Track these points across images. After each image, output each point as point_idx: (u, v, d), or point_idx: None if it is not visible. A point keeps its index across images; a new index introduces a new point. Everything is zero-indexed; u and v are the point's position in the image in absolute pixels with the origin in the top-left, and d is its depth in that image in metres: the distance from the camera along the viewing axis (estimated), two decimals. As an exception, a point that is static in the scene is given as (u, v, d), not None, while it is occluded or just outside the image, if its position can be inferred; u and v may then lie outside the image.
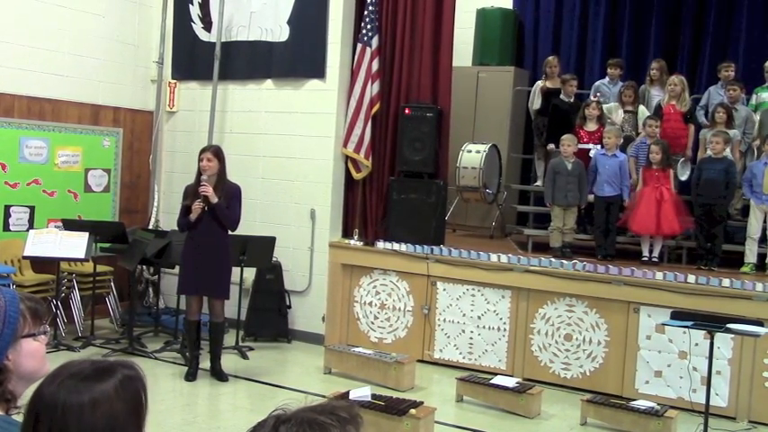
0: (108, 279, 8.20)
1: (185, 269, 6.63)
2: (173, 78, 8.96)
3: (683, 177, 7.59)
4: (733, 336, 5.99)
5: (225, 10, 8.54)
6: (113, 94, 8.68)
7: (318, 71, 8.08)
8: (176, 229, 7.23)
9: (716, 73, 8.42)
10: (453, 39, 8.07)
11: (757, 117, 7.84)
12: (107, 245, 7.85)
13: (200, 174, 6.49)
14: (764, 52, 8.75)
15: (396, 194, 7.87)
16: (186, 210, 6.51)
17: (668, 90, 7.99)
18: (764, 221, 6.99)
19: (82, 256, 7.24)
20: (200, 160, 6.50)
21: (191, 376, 6.66)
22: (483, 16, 10.24)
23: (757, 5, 9.16)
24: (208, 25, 8.73)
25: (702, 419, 5.42)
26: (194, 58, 8.80)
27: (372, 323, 7.81)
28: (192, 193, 6.52)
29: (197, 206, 6.38)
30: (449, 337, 7.46)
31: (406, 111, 7.89)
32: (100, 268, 7.94)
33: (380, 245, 7.80)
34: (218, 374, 6.71)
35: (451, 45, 8.04)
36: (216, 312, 6.67)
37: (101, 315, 8.14)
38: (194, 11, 8.82)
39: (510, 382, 6.42)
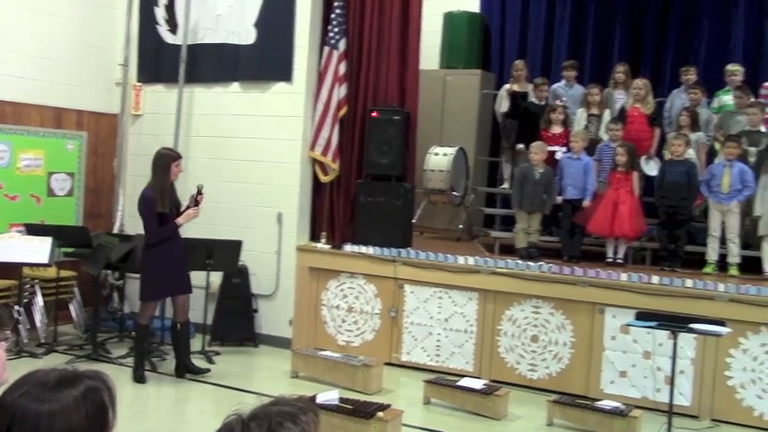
0: (71, 284, 8.09)
1: (167, 272, 6.59)
2: (138, 81, 8.88)
3: (653, 173, 7.66)
4: (696, 336, 6.07)
5: (191, 12, 8.48)
6: (77, 96, 8.58)
7: (285, 74, 8.06)
8: (141, 233, 7.19)
9: (678, 77, 8.52)
10: (420, 42, 8.10)
11: (715, 119, 7.96)
12: (71, 249, 7.75)
13: (169, 179, 6.49)
14: (725, 56, 8.93)
15: (363, 197, 7.87)
16: (166, 217, 6.49)
17: (633, 93, 8.08)
18: (723, 221, 7.09)
19: (45, 260, 7.14)
20: (175, 166, 6.51)
21: (144, 378, 6.67)
22: (450, 20, 10.29)
23: (718, 11, 9.31)
24: (173, 27, 8.67)
25: (666, 419, 5.48)
26: (160, 60, 8.73)
27: (340, 326, 7.80)
28: (169, 200, 6.51)
29: (194, 213, 6.57)
30: (416, 339, 7.47)
31: (374, 114, 7.89)
32: (63, 273, 7.83)
33: (348, 248, 7.79)
34: (196, 369, 6.83)
35: (418, 48, 8.06)
36: (187, 309, 6.81)
37: (64, 321, 8.03)
38: (160, 13, 8.76)
39: (477, 383, 6.44)
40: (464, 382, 6.46)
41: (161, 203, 6.43)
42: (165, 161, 6.51)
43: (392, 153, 7.82)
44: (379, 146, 7.84)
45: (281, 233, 8.02)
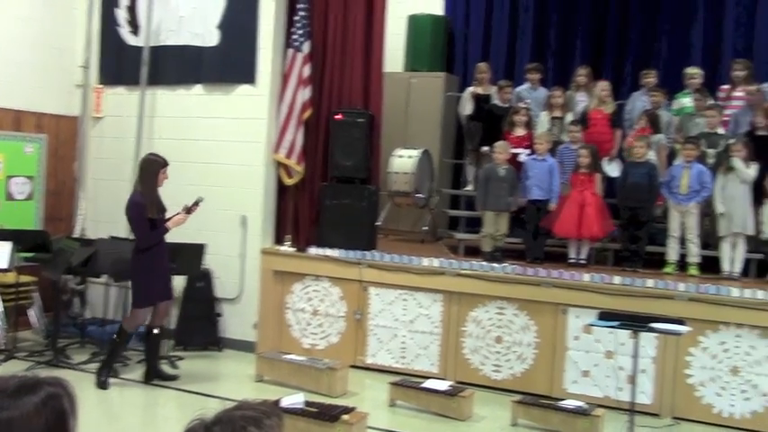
0: (31, 289, 7.97)
1: (157, 277, 6.65)
2: (99, 83, 8.77)
3: (614, 174, 7.75)
4: (657, 335, 6.14)
5: (153, 14, 8.41)
6: (36, 99, 8.45)
7: (249, 76, 8.02)
8: (103, 237, 7.13)
9: (639, 79, 8.63)
10: (384, 45, 8.11)
11: (675, 121, 8.08)
12: (30, 254, 7.62)
13: (155, 185, 6.54)
14: (684, 60, 9.07)
15: (328, 200, 7.86)
16: (155, 223, 6.52)
17: (596, 94, 8.18)
18: (683, 221, 7.19)
19: (4, 266, 7.03)
20: (162, 173, 6.54)
21: (107, 385, 6.62)
22: (414, 23, 10.32)
23: (678, 16, 9.45)
24: (135, 29, 8.58)
25: (628, 417, 5.55)
26: (121, 62, 8.64)
27: (305, 330, 7.77)
28: (157, 206, 6.57)
29: (182, 218, 6.61)
30: (381, 342, 7.47)
31: (338, 116, 7.89)
32: (23, 278, 7.71)
33: (312, 251, 7.77)
34: (167, 375, 6.88)
35: (382, 51, 8.08)
36: (168, 315, 6.95)
37: (24, 327, 7.91)
38: (121, 14, 8.67)
39: (442, 385, 6.46)
40: (429, 383, 6.48)
41: (151, 209, 6.47)
42: (155, 167, 6.54)
43: (356, 155, 7.82)
44: (343, 148, 7.84)
45: (246, 236, 7.97)
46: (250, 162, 7.95)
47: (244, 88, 8.05)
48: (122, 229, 7.59)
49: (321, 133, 8.06)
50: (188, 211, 6.67)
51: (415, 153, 9.05)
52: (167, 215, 6.64)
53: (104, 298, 8.32)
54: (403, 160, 8.99)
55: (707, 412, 6.37)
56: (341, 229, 7.73)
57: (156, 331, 6.79)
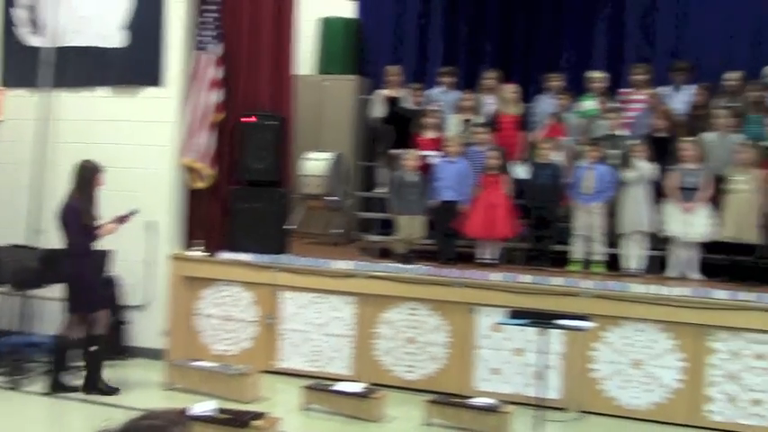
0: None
1: (95, 285, 6.67)
2: (-1, 86, 8.47)
3: (522, 176, 7.92)
4: (563, 331, 6.30)
5: (55, 14, 8.16)
6: (-69, 102, 8.11)
7: (156, 78, 7.88)
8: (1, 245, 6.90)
9: (545, 83, 8.84)
10: (295, 47, 8.09)
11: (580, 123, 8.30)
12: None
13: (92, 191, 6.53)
14: (588, 63, 9.35)
15: (239, 204, 7.78)
16: (89, 229, 6.49)
17: (505, 97, 8.34)
18: (588, 220, 7.40)
19: None
20: (98, 179, 6.58)
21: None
22: (325, 25, 10.32)
23: (582, 21, 9.75)
24: (37, 29, 8.31)
25: (537, 412, 5.67)
26: (21, 64, 8.34)
27: (216, 336, 7.68)
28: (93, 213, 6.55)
29: (113, 227, 6.66)
30: (294, 346, 7.44)
31: (249, 119, 7.82)
32: None
33: (224, 255, 7.68)
34: (107, 389, 6.70)
35: (293, 53, 8.06)
36: (106, 324, 6.76)
37: None
38: (21, 14, 8.38)
39: (355, 387, 6.47)
40: (341, 386, 6.48)
41: (86, 216, 6.42)
42: (92, 173, 6.56)
43: (268, 158, 7.77)
44: (254, 151, 7.78)
45: (154, 242, 7.81)
46: (158, 166, 7.81)
47: (151, 90, 7.89)
48: (22, 236, 7.34)
49: (232, 136, 7.97)
50: (120, 220, 6.70)
51: (328, 156, 9.04)
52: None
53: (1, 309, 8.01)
54: (315, 163, 8.97)
55: (611, 405, 6.56)
56: (252, 233, 7.66)
57: (94, 340, 6.62)
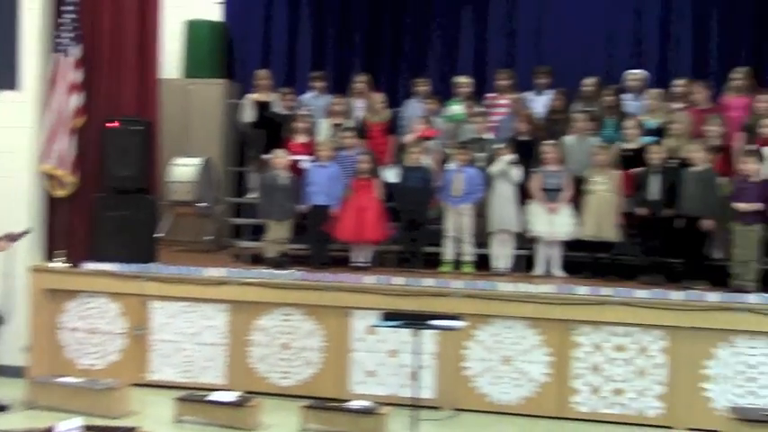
0: None
1: None
2: None
3: (392, 180, 8.02)
4: (436, 331, 6.42)
5: None
6: None
7: (11, 82, 7.48)
8: None
9: (413, 87, 9.00)
10: (160, 50, 7.89)
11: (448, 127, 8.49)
12: None
13: None
14: (455, 67, 9.61)
15: (103, 212, 7.49)
16: None
17: (372, 106, 8.44)
18: (457, 222, 7.58)
19: None
20: None
21: None
22: (191, 28, 10.13)
23: (448, 28, 10.00)
24: None
25: (412, 412, 5.75)
26: None
27: (81, 350, 7.37)
28: None
29: (4, 245, 6.50)
30: (165, 357, 7.24)
31: (112, 124, 7.55)
32: None
33: (88, 266, 7.39)
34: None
35: (158, 57, 7.85)
36: None
37: None
38: None
39: (229, 396, 6.37)
40: (215, 395, 6.37)
41: None
42: None
43: (133, 165, 7.52)
44: (119, 157, 7.51)
45: (12, 253, 7.39)
46: (14, 173, 7.42)
47: (6, 94, 7.49)
48: None
49: (95, 142, 7.67)
50: (12, 239, 6.47)
51: (197, 161, 8.90)
52: None
53: None
54: (183, 169, 8.81)
55: (483, 401, 6.73)
56: (119, 241, 7.41)
57: None
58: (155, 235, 7.77)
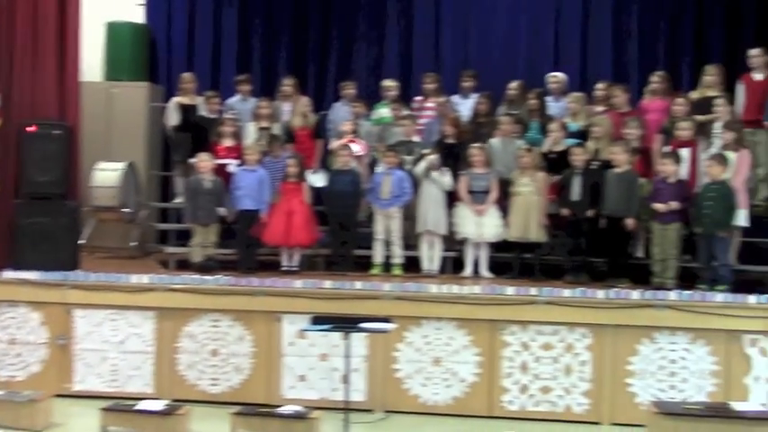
0: None
1: None
2: None
3: (318, 184, 8.02)
4: (366, 334, 6.43)
5: None
6: None
7: None
8: None
9: (340, 91, 9.01)
10: (80, 53, 7.71)
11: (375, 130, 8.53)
12: None
13: None
14: (381, 71, 9.66)
15: (23, 219, 7.27)
16: None
17: (297, 112, 8.42)
18: (386, 225, 7.62)
19: None
20: None
21: None
22: (112, 31, 9.93)
23: (372, 28, 10.07)
24: None
25: (344, 415, 5.75)
26: None
27: (1, 361, 7.13)
28: None
29: None
30: (90, 366, 7.07)
31: (31, 128, 7.33)
32: None
33: (7, 274, 7.15)
34: None
35: (78, 59, 7.68)
36: None
37: None
38: None
39: (157, 405, 6.25)
40: (143, 404, 6.23)
41: None
42: None
43: (54, 170, 7.32)
44: (38, 163, 7.30)
45: (-75, 263, 7.14)
46: (-73, 180, 7.14)
47: None
48: None
49: (12, 147, 7.44)
50: None
51: (120, 166, 8.74)
52: None
53: None
54: (106, 174, 8.64)
55: (414, 403, 6.77)
56: (40, 249, 7.20)
57: None
58: (77, 242, 7.58)
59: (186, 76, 9.03)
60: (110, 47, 9.93)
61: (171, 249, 8.10)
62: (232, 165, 7.93)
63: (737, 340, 6.45)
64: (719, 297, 6.53)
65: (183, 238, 8.17)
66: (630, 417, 6.43)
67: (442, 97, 8.61)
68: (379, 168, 7.87)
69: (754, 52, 7.83)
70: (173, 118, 8.87)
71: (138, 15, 10.26)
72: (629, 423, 6.39)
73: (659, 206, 6.87)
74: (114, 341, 7.06)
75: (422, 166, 7.63)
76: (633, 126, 7.54)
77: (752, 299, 6.46)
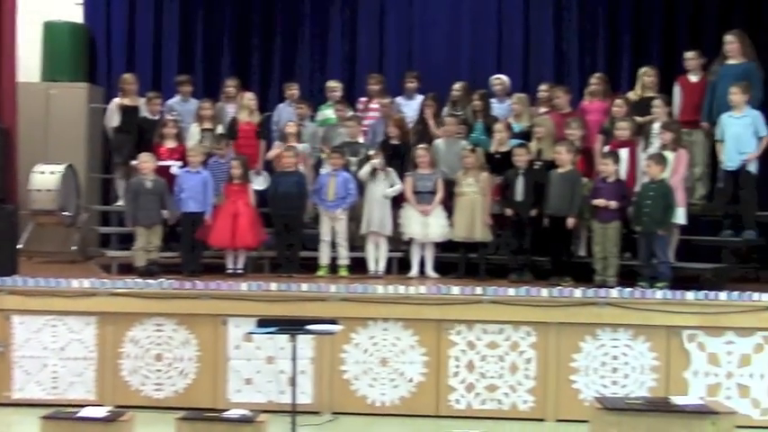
0: None
1: None
2: None
3: (260, 187, 7.98)
4: (313, 336, 6.41)
5: None
6: None
7: None
8: None
9: (284, 92, 8.96)
10: (16, 53, 7.54)
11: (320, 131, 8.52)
12: None
13: None
14: (323, 74, 9.66)
15: (-43, 223, 7.08)
16: None
17: (243, 106, 8.33)
18: (332, 226, 7.61)
19: None
20: None
21: None
22: (50, 30, 9.72)
23: (316, 29, 10.07)
24: None
25: (291, 418, 5.72)
26: None
27: (-65, 371, 6.94)
28: None
29: None
30: (29, 374, 6.91)
31: (-35, 130, 7.15)
32: None
33: (-60, 281, 6.96)
34: None
35: (14, 59, 7.52)
36: None
37: None
38: None
39: (99, 412, 6.11)
40: (85, 412, 6.08)
41: None
42: None
43: (-10, 173, 7.16)
44: (-27, 165, 7.13)
45: None
46: None
47: None
48: None
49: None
50: None
51: (59, 168, 8.58)
52: None
53: None
54: (45, 176, 8.47)
55: (362, 404, 6.78)
56: (-25, 254, 7.02)
57: None
58: (15, 246, 7.41)
59: (127, 76, 8.89)
60: (48, 47, 9.72)
61: (112, 253, 7.96)
62: (174, 166, 7.83)
63: (677, 336, 6.61)
64: (659, 294, 6.69)
65: (126, 241, 8.04)
66: (574, 413, 6.52)
67: (387, 98, 8.63)
68: (324, 170, 7.85)
69: (689, 54, 8.03)
70: (113, 119, 8.73)
71: (76, 15, 10.06)
72: (573, 419, 6.49)
73: (599, 201, 6.99)
74: (55, 347, 6.92)
75: (366, 169, 7.64)
76: (575, 126, 7.65)
77: (690, 295, 6.63)
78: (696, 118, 7.82)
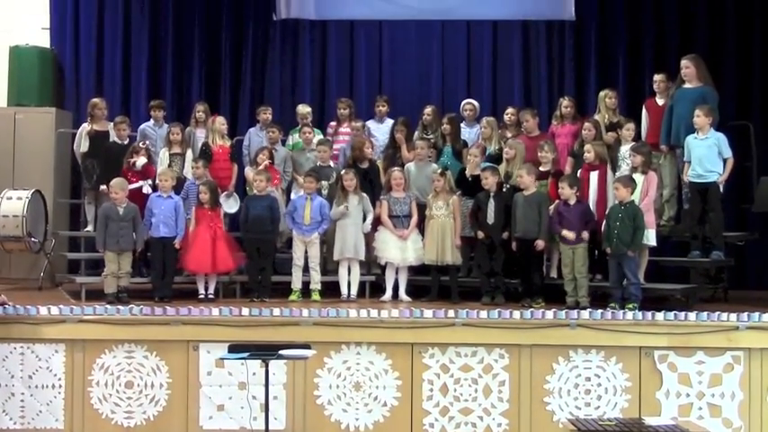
0: None
1: None
2: None
3: (231, 210, 7.94)
4: (286, 361, 6.36)
5: None
6: None
7: None
8: None
9: (256, 116, 8.96)
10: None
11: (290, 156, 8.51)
12: None
13: None
14: (296, 96, 9.68)
15: None
16: None
17: (214, 130, 8.30)
18: (306, 250, 7.59)
19: None
20: None
21: None
22: (17, 55, 9.66)
23: (286, 53, 10.10)
24: None
25: (264, 445, 5.66)
26: None
27: None
28: None
29: None
30: (-5, 403, 6.78)
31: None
32: None
33: None
34: None
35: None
36: None
37: None
38: None
39: (69, 441, 6.03)
40: (54, 441, 6.01)
41: None
42: None
43: (-45, 199, 7.04)
44: (-62, 191, 7.01)
45: None
46: None
47: None
48: None
49: None
50: None
51: (26, 194, 8.48)
52: None
53: None
54: (12, 202, 8.38)
55: (336, 429, 6.71)
56: (-61, 281, 6.88)
57: None
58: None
59: (97, 101, 8.81)
60: (14, 71, 9.66)
61: (81, 279, 7.85)
62: (146, 184, 7.80)
63: (648, 357, 6.66)
64: (630, 315, 6.74)
65: (95, 267, 7.95)
66: (548, 435, 6.54)
67: (359, 122, 8.66)
68: (296, 193, 7.83)
69: (658, 77, 8.18)
70: (83, 144, 8.65)
71: (43, 39, 9.99)
72: (547, 441, 6.50)
73: (568, 234, 7.05)
74: (22, 376, 6.78)
75: (337, 211, 7.61)
76: (546, 149, 7.71)
77: (660, 316, 6.69)
78: (663, 140, 7.95)
